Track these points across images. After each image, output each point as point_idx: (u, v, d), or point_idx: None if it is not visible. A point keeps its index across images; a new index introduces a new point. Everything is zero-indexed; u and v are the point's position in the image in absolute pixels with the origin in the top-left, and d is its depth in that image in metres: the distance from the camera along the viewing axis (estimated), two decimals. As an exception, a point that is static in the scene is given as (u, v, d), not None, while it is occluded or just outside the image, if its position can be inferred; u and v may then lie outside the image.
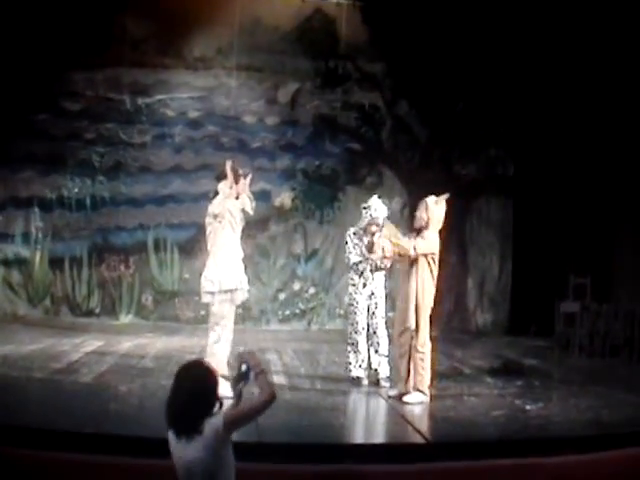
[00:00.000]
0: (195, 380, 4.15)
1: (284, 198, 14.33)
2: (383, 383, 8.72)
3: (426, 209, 8.02)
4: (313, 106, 14.37)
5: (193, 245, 13.35)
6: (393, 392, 8.24)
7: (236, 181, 8.88)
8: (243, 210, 8.92)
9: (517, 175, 14.35)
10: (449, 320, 14.16)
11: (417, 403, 7.86)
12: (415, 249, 7.87)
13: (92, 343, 11.22)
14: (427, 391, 7.98)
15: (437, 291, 8.23)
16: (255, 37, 14.07)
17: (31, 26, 13.02)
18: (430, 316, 8.04)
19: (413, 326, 7.92)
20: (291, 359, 10.61)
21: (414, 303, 7.92)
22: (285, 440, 6.37)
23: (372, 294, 8.88)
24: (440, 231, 8.07)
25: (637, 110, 12.29)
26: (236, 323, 9.55)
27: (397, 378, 8.29)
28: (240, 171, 8.99)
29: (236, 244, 8.89)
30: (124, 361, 9.89)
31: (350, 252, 8.95)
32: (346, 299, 9.12)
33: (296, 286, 14.34)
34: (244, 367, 4.22)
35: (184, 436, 4.06)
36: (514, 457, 6.15)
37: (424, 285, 7.92)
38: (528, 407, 7.83)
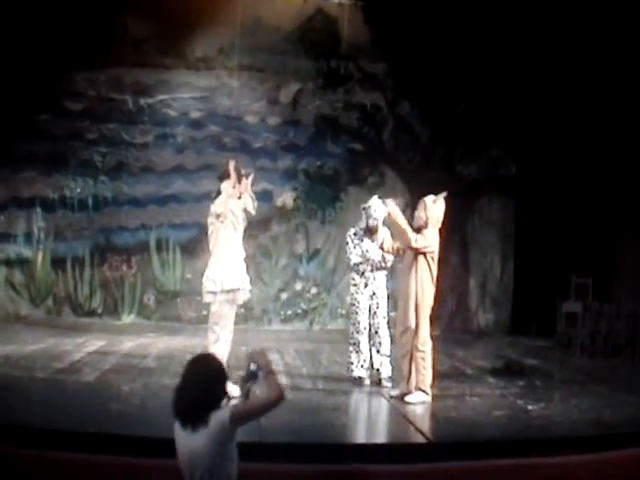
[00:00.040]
0: (205, 372, 4.18)
1: (286, 198, 14.33)
2: (385, 383, 8.72)
3: (425, 208, 8.03)
4: (315, 106, 14.37)
5: (195, 245, 13.37)
6: (395, 392, 8.25)
7: (239, 181, 8.89)
8: (245, 210, 8.93)
9: (519, 175, 14.35)
10: (451, 320, 14.17)
11: (419, 403, 7.87)
12: (416, 241, 7.88)
13: (94, 343, 11.23)
14: (429, 390, 7.99)
15: (438, 291, 8.24)
16: (257, 37, 14.08)
17: (33, 26, 13.03)
18: (430, 315, 8.05)
19: (413, 325, 7.93)
20: (293, 359, 10.62)
21: (414, 302, 7.93)
22: (287, 440, 6.38)
23: (374, 294, 8.89)
24: (440, 230, 8.08)
25: (638, 110, 12.28)
26: (238, 323, 9.57)
27: (399, 378, 8.30)
28: (242, 171, 9.01)
29: (238, 244, 8.89)
30: (126, 361, 9.90)
31: (351, 253, 8.96)
32: (348, 299, 9.13)
33: (298, 286, 14.35)
34: (253, 366, 4.24)
35: (190, 426, 4.08)
36: (516, 457, 6.15)
37: (423, 284, 7.93)
38: (530, 407, 7.84)
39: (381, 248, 8.78)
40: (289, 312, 14.28)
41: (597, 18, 12.21)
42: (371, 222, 8.86)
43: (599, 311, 11.83)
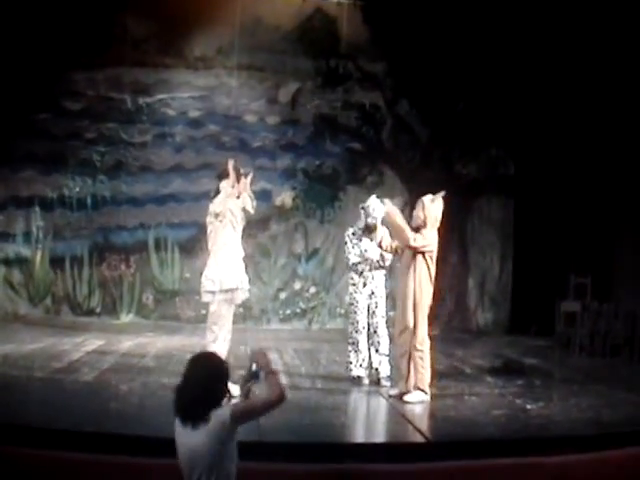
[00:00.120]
0: (206, 370, 4.20)
1: (285, 197, 14.33)
2: (384, 382, 8.72)
3: (423, 208, 8.04)
4: (314, 106, 14.37)
5: (194, 244, 13.37)
6: (394, 391, 8.25)
7: (237, 180, 8.89)
8: (244, 209, 8.93)
9: (518, 175, 14.35)
10: (450, 319, 14.17)
11: (418, 402, 7.87)
12: (415, 240, 7.88)
13: (93, 342, 11.23)
14: (428, 390, 7.99)
15: (437, 290, 8.24)
16: (256, 36, 14.07)
17: (32, 26, 13.02)
18: (429, 315, 8.05)
19: (411, 325, 7.93)
20: (292, 358, 10.62)
21: (412, 301, 7.93)
22: (286, 439, 6.38)
23: (372, 293, 8.89)
24: (438, 229, 8.08)
25: (637, 110, 12.28)
26: (237, 322, 9.58)
27: (398, 377, 8.30)
28: (241, 170, 9.01)
29: (237, 243, 8.89)
30: (125, 360, 9.89)
31: (349, 252, 8.95)
32: (347, 298, 9.13)
33: (297, 285, 14.34)
34: (255, 366, 4.26)
35: (190, 424, 4.09)
36: (515, 456, 6.15)
37: (422, 284, 7.93)
38: (529, 406, 7.84)
39: (380, 247, 8.78)
40: (288, 311, 14.28)
41: (597, 18, 12.21)
42: (369, 221, 8.85)
43: (598, 311, 11.83)
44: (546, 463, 6.07)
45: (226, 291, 8.77)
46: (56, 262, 13.89)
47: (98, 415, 6.88)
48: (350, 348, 8.87)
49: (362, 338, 8.84)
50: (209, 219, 8.91)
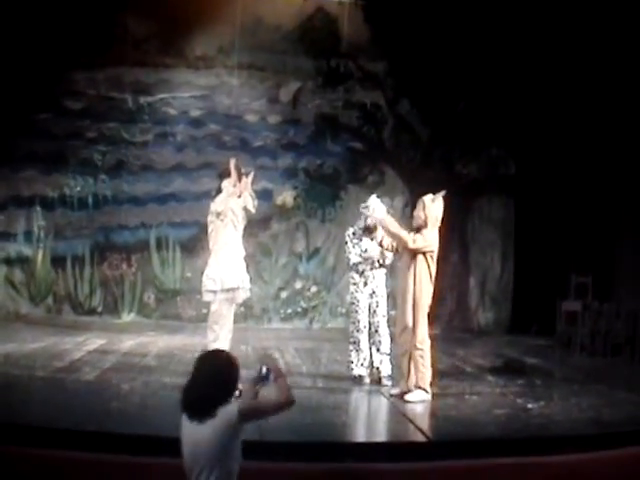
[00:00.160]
0: (215, 366, 4.22)
1: (286, 197, 14.33)
2: (385, 381, 8.73)
3: (423, 208, 8.04)
4: (315, 105, 14.37)
5: (195, 244, 13.37)
6: (395, 390, 8.25)
7: (239, 179, 8.91)
8: (245, 209, 8.95)
9: (518, 174, 14.34)
10: (451, 319, 14.18)
11: (419, 401, 7.87)
12: (414, 242, 7.89)
13: (94, 341, 11.24)
14: (429, 389, 7.99)
15: (438, 290, 8.25)
16: (257, 36, 14.08)
17: (33, 26, 13.02)
18: (429, 314, 8.06)
19: (410, 324, 7.94)
20: (293, 357, 10.62)
21: (411, 301, 7.93)
22: (287, 439, 6.38)
23: (373, 292, 8.89)
24: (439, 229, 8.08)
25: (637, 110, 12.28)
26: (238, 322, 9.60)
27: (399, 376, 8.31)
28: (242, 170, 9.02)
29: (238, 242, 8.91)
30: (126, 359, 9.90)
31: (350, 252, 8.95)
32: (348, 298, 9.13)
33: (298, 285, 14.35)
34: (264, 369, 4.30)
35: (197, 418, 4.10)
36: (515, 456, 6.15)
37: (422, 283, 7.93)
38: (529, 406, 7.84)
39: (380, 246, 8.78)
40: (289, 311, 14.28)
41: (597, 18, 12.21)
42: (369, 222, 8.85)
43: (599, 310, 11.83)
44: (547, 462, 6.08)
45: (227, 290, 8.79)
46: (57, 261, 13.90)
47: (99, 414, 6.88)
48: (351, 347, 8.88)
49: (363, 337, 8.84)
50: (210, 218, 8.92)
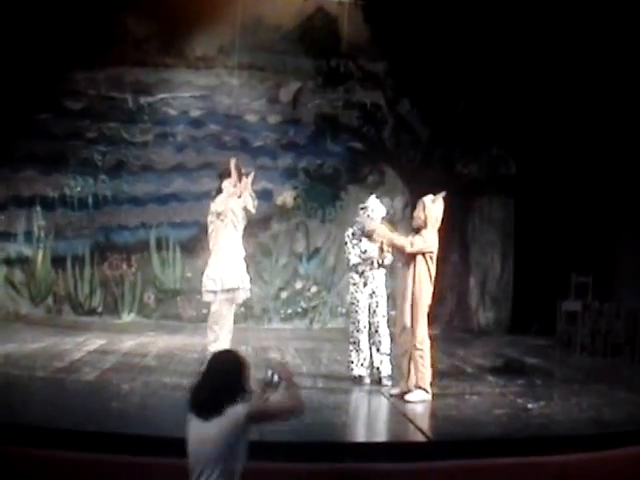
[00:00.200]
0: (225, 366, 4.24)
1: (286, 197, 14.33)
2: (385, 382, 8.72)
3: (423, 208, 8.04)
4: (315, 105, 14.37)
5: (195, 244, 13.36)
6: (395, 390, 8.25)
7: (239, 179, 8.92)
8: (245, 209, 8.96)
9: (519, 174, 14.34)
10: (451, 319, 14.17)
11: (419, 401, 7.87)
12: (412, 245, 7.90)
13: (94, 342, 11.24)
14: (429, 389, 7.99)
15: (438, 290, 8.25)
16: (257, 36, 14.08)
17: (33, 26, 13.03)
18: (429, 314, 8.05)
19: (409, 324, 7.94)
20: (293, 358, 10.61)
21: (410, 301, 7.93)
22: (287, 439, 6.38)
23: (373, 293, 8.88)
24: (439, 229, 8.08)
25: (637, 110, 12.28)
26: (238, 322, 9.60)
27: (399, 376, 8.30)
28: (242, 170, 9.03)
29: (238, 243, 8.92)
30: (126, 360, 9.90)
31: (349, 253, 8.94)
32: (348, 298, 9.13)
33: (298, 285, 14.35)
34: (276, 377, 4.30)
35: (205, 416, 4.10)
36: (516, 456, 6.15)
37: (421, 283, 7.93)
38: (530, 406, 7.84)
39: (380, 248, 8.78)
40: (289, 311, 14.28)
41: (597, 18, 12.21)
42: (366, 229, 8.83)
43: (599, 310, 11.82)
44: (547, 462, 6.08)
45: (227, 291, 8.81)
46: (57, 262, 13.91)
47: (99, 414, 6.88)
48: (351, 347, 8.87)
49: (363, 337, 8.84)
50: (210, 218, 8.94)
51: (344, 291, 12.65)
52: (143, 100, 14.09)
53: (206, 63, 14.23)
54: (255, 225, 12.17)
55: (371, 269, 8.87)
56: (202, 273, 9.02)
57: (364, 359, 8.82)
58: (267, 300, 14.12)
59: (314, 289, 14.34)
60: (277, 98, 14.39)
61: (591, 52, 12.50)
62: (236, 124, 14.29)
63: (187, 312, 13.84)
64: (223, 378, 4.16)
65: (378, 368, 8.81)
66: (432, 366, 8.09)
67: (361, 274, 8.89)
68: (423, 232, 7.97)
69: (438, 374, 8.63)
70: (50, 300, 13.92)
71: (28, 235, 13.89)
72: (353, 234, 8.98)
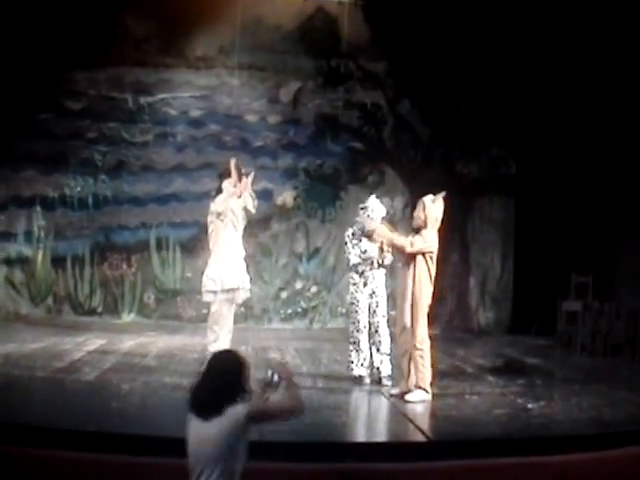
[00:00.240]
0: (225, 365, 4.24)
1: (286, 197, 14.33)
2: (385, 382, 8.72)
3: (423, 208, 8.04)
4: (315, 105, 14.37)
5: (195, 244, 13.36)
6: (395, 390, 8.25)
7: (239, 179, 8.92)
8: (245, 209, 8.95)
9: (519, 174, 14.34)
10: (451, 319, 14.17)
11: (419, 401, 7.87)
12: (412, 245, 7.90)
13: (94, 342, 11.24)
14: (429, 389, 7.99)
15: (438, 290, 8.24)
16: (257, 36, 14.07)
17: (33, 26, 13.03)
18: (429, 314, 8.05)
19: (408, 324, 7.94)
20: (293, 358, 10.61)
21: (410, 301, 7.93)
22: (287, 439, 6.38)
23: (373, 293, 8.88)
24: (439, 229, 8.08)
25: (638, 109, 12.28)
26: (238, 322, 9.59)
27: (399, 376, 8.30)
28: (242, 170, 9.03)
29: (238, 243, 8.92)
30: (126, 360, 9.90)
31: (349, 253, 8.94)
32: (348, 298, 9.13)
33: (298, 285, 14.34)
34: (275, 377, 4.29)
35: (205, 415, 4.10)
36: (516, 456, 6.15)
37: (421, 283, 7.93)
38: (530, 406, 7.84)
39: (380, 248, 8.79)
40: (289, 311, 14.28)
41: (597, 18, 12.21)
42: (366, 228, 8.83)
43: (599, 310, 11.82)
44: (547, 462, 6.07)
45: (227, 291, 8.81)
46: (57, 262, 13.90)
47: (99, 414, 6.88)
48: (351, 347, 8.87)
49: (363, 337, 8.84)
50: (210, 218, 8.93)
51: (344, 291, 12.65)
52: (143, 100, 14.08)
53: (206, 63, 14.23)
54: (255, 225, 12.17)
55: (371, 269, 8.87)
56: (202, 273, 9.02)
57: (364, 359, 8.82)
58: (267, 300, 14.12)
59: (314, 289, 14.34)
60: (277, 98, 14.39)
61: (591, 52, 12.50)
62: (236, 124, 14.29)
63: (187, 312, 13.84)
64: (223, 378, 4.17)
65: (378, 368, 8.81)
66: (432, 366, 8.09)
67: (361, 274, 8.89)
68: (423, 232, 7.97)
69: (438, 374, 8.63)
70: (50, 300, 13.92)
71: (28, 235, 13.89)
72: (353, 234, 8.98)
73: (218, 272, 8.75)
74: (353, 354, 8.85)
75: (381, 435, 7.45)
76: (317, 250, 14.40)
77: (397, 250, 8.27)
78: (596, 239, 13.11)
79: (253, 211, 9.08)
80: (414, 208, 8.32)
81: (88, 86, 13.96)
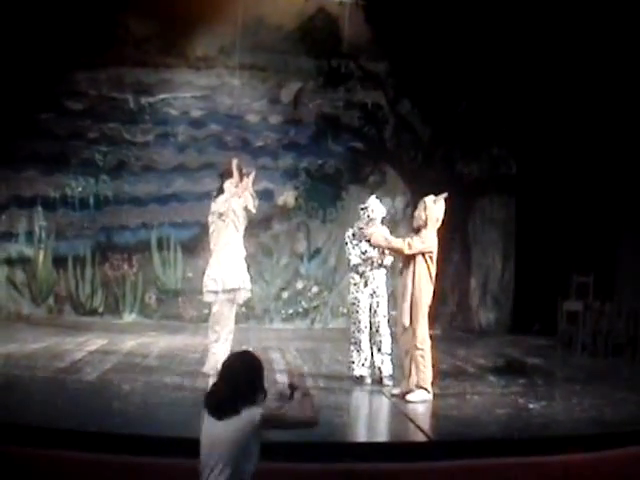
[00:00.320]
0: (241, 366, 4.23)
1: (287, 197, 14.34)
2: (386, 381, 8.72)
3: (424, 208, 8.04)
4: (316, 105, 14.38)
5: (196, 244, 13.38)
6: (396, 390, 8.25)
7: (240, 179, 8.92)
8: (246, 209, 8.95)
9: (520, 174, 14.35)
10: (452, 319, 14.17)
11: (420, 401, 7.87)
12: (410, 247, 7.90)
13: (95, 342, 11.24)
14: (430, 389, 7.99)
15: (439, 290, 8.24)
16: (258, 36, 14.09)
17: (34, 26, 13.04)
18: (429, 314, 8.05)
19: (408, 323, 7.94)
20: (294, 358, 10.62)
21: (409, 301, 7.93)
22: (287, 439, 6.37)
23: (374, 293, 8.88)
24: (439, 230, 8.08)
25: (638, 109, 12.27)
26: (239, 322, 9.59)
27: (400, 376, 8.30)
28: (243, 170, 9.03)
29: (239, 243, 8.91)
30: (127, 360, 9.90)
31: (350, 254, 8.94)
32: (349, 298, 9.14)
33: (299, 285, 14.35)
34: (289, 386, 4.32)
35: (220, 416, 4.11)
36: (517, 455, 6.15)
37: (420, 282, 7.93)
38: (531, 406, 7.84)
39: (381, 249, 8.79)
40: (290, 311, 14.29)
41: (597, 18, 12.20)
42: (365, 231, 8.82)
43: (600, 310, 11.81)
44: (548, 462, 6.07)
45: (228, 291, 8.80)
46: (59, 262, 13.92)
47: (100, 415, 6.88)
48: (352, 347, 8.87)
49: (364, 337, 8.83)
50: (211, 218, 8.93)
51: (345, 291, 12.62)
52: (144, 100, 14.10)
53: (207, 63, 14.24)
54: (256, 225, 12.19)
55: (372, 269, 8.87)
56: (203, 273, 9.02)
57: (365, 359, 8.82)
58: (268, 300, 14.13)
59: (315, 289, 14.35)
60: (278, 98, 14.40)
61: (591, 52, 12.49)
62: (237, 124, 14.31)
63: (188, 312, 13.85)
64: (239, 378, 4.16)
65: (379, 368, 8.81)
66: (433, 366, 8.09)
67: (362, 274, 8.89)
68: (422, 232, 7.96)
69: (439, 374, 8.64)
70: (51, 300, 13.94)
71: (29, 235, 13.91)
72: (353, 234, 8.97)
73: (219, 272, 8.75)
74: (354, 354, 8.85)
75: (382, 435, 7.45)
76: (318, 250, 14.41)
77: (395, 253, 8.28)
78: (597, 239, 13.10)
79: (254, 211, 9.08)
80: (415, 208, 8.32)
81: (89, 86, 13.98)
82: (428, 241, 7.94)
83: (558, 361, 11.26)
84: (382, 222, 8.92)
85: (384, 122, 14.43)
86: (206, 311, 10.33)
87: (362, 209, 8.94)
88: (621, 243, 13.18)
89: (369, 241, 8.64)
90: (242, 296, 9.00)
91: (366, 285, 8.87)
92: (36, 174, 13.88)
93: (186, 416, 6.38)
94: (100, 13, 13.45)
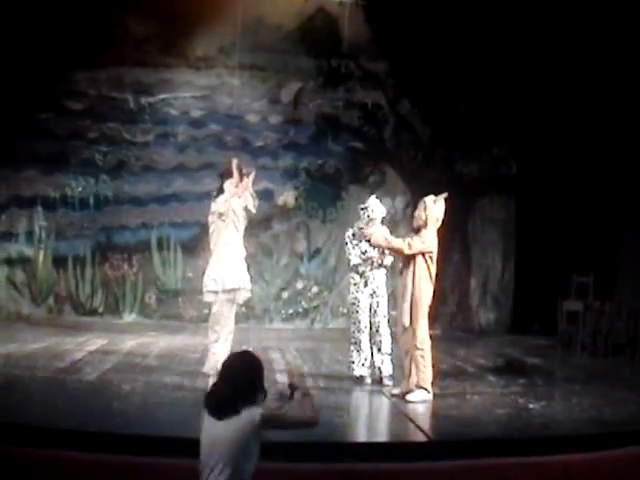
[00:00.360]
0: (241, 366, 4.23)
1: (287, 197, 14.34)
2: (386, 381, 8.72)
3: (424, 208, 8.04)
4: (316, 105, 14.38)
5: (196, 244, 13.38)
6: (396, 390, 8.25)
7: (240, 179, 8.92)
8: (246, 209, 8.95)
9: (520, 174, 14.35)
10: (452, 319, 14.17)
11: (420, 401, 7.87)
12: (410, 247, 7.90)
13: (95, 342, 11.24)
14: (430, 389, 7.99)
15: (439, 290, 8.24)
16: (258, 36, 14.09)
17: (34, 26, 13.04)
18: (429, 314, 8.05)
19: (408, 323, 7.94)
20: (294, 358, 10.62)
21: (409, 301, 7.93)
22: (287, 439, 6.37)
23: (374, 293, 8.88)
24: (439, 230, 8.08)
25: (638, 109, 12.27)
26: (239, 322, 9.59)
27: (400, 376, 8.30)
28: (243, 170, 9.03)
29: (239, 243, 8.92)
30: (127, 360, 9.90)
31: (350, 254, 8.94)
32: (349, 298, 9.14)
33: (299, 285, 14.35)
34: (289, 386, 4.31)
35: (220, 416, 4.11)
36: (517, 455, 6.15)
37: (420, 282, 7.93)
38: (531, 405, 7.84)
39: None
40: (290, 311, 14.29)
41: (597, 18, 12.20)
42: (365, 232, 8.82)
43: (600, 310, 11.82)
44: (548, 462, 6.08)
45: (228, 291, 8.80)
46: (59, 262, 13.92)
47: (100, 415, 6.88)
48: (352, 347, 8.87)
49: (364, 337, 8.84)
50: (211, 218, 8.93)
51: (345, 291, 12.62)
52: (144, 100, 14.10)
53: (207, 63, 14.24)
54: (256, 225, 12.19)
55: (372, 269, 8.88)
56: (203, 273, 9.02)
57: (365, 359, 8.82)
58: (268, 300, 14.13)
59: (315, 289, 14.35)
60: (278, 98, 14.40)
61: (591, 52, 12.49)
62: (237, 124, 14.31)
63: (188, 312, 13.85)
64: (240, 378, 4.17)
65: (379, 368, 8.81)
66: (433, 366, 8.09)
67: (362, 274, 8.89)
68: (422, 232, 7.97)
69: (439, 374, 8.64)
70: (51, 300, 13.94)
71: (29, 235, 13.91)
72: (353, 234, 8.98)
73: (219, 272, 8.75)
74: (354, 354, 8.85)
75: (382, 435, 7.45)
76: (318, 250, 14.41)
77: (395, 253, 8.29)
78: (597, 239, 13.10)
79: (254, 211, 9.08)
80: (415, 208, 8.32)
81: (89, 86, 13.98)
82: (428, 241, 7.94)
83: (558, 361, 11.27)
84: (382, 222, 8.92)
85: (384, 122, 14.43)
86: (206, 311, 10.32)
87: (362, 209, 8.94)
88: (621, 243, 13.19)
89: (369, 241, 8.64)
90: (242, 296, 9.00)
91: (366, 285, 8.88)
92: (36, 174, 13.88)
93: (186, 416, 6.38)
94: (100, 13, 13.44)
